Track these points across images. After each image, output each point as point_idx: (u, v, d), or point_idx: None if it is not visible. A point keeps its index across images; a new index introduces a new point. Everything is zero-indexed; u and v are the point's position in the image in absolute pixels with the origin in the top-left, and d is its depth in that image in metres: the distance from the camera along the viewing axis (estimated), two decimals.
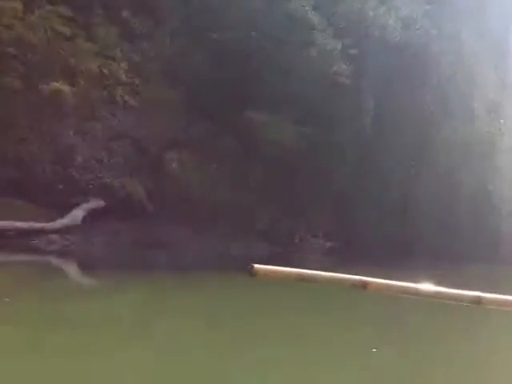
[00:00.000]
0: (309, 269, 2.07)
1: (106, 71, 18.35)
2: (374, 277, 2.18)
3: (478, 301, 2.13)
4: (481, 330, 8.70)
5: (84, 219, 17.26)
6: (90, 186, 18.12)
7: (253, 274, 1.95)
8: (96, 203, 17.83)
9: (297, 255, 19.29)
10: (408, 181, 24.68)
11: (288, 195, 21.32)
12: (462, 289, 2.26)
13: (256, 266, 1.96)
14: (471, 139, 27.21)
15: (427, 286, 2.09)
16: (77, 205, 17.42)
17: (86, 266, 15.02)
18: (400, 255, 20.80)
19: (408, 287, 2.07)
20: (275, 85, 20.30)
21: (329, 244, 22.03)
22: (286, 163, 21.09)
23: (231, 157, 20.51)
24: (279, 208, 21.21)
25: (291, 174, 21.37)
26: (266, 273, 1.97)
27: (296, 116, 20.78)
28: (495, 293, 2.41)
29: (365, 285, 2.06)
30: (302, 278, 2.02)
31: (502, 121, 29.37)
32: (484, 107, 28.60)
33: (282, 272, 2.00)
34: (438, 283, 2.20)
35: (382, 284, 2.09)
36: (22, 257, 15.40)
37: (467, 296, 2.12)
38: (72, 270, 15.29)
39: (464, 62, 27.12)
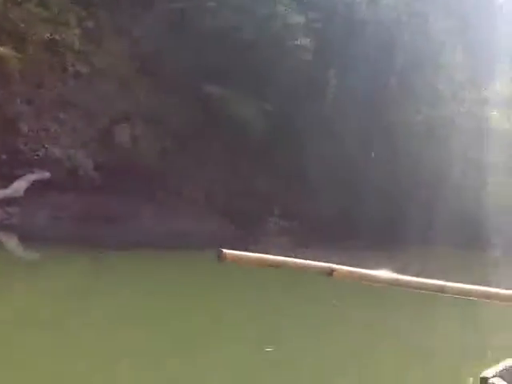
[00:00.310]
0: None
1: (57, 38, 18.05)
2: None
3: (441, 289, 2.22)
4: (438, 318, 8.96)
5: (28, 191, 17.06)
6: (36, 157, 17.90)
7: (222, 258, 2.02)
8: (41, 175, 17.65)
9: (255, 234, 19.46)
10: (369, 162, 24.99)
11: (247, 172, 21.42)
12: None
13: (225, 250, 2.03)
14: (434, 122, 27.63)
15: (393, 275, 2.18)
16: (21, 176, 17.21)
17: (27, 240, 14.88)
18: (355, 236, 21.18)
19: (374, 275, 2.16)
20: (236, 58, 20.27)
21: (286, 224, 22.23)
22: (245, 139, 21.14)
23: (188, 131, 20.45)
24: (237, 185, 21.29)
25: (251, 151, 21.44)
26: (235, 258, 2.04)
27: (257, 91, 20.80)
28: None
29: (331, 271, 2.15)
30: (269, 264, 2.09)
31: (466, 105, 29.89)
32: (449, 89, 29.00)
33: (250, 257, 2.07)
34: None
35: (348, 271, 2.18)
36: None
37: (431, 284, 2.21)
38: (12, 243, 15.13)
39: (431, 41, 27.42)
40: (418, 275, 2.36)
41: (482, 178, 30.51)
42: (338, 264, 2.45)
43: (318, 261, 2.59)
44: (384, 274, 2.22)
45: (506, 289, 2.32)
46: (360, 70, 24.05)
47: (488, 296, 2.28)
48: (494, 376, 2.41)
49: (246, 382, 5.61)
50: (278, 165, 22.30)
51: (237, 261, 2.06)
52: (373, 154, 25.20)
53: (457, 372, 5.32)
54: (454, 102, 29.22)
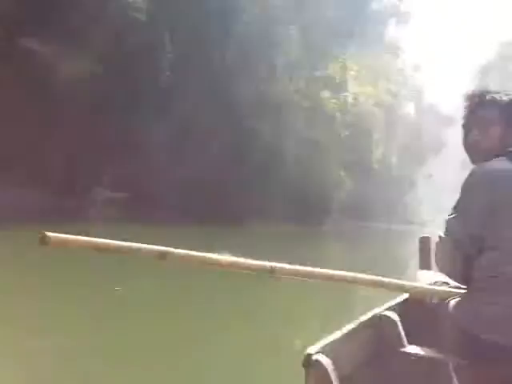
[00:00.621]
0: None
1: None
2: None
3: (271, 271, 2.31)
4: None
5: None
6: None
7: (45, 242, 1.94)
8: None
9: (81, 205, 19.09)
10: (205, 134, 25.14)
11: (72, 140, 20.70)
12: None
13: (48, 234, 1.95)
14: (269, 98, 28.25)
15: (233, 258, 2.22)
16: None
17: None
18: (187, 210, 21.41)
19: (209, 258, 2.19)
20: (63, 14, 19.45)
21: (115, 195, 22.02)
22: (70, 103, 20.39)
23: (11, 93, 19.15)
24: (61, 154, 20.56)
25: (77, 116, 20.70)
26: (60, 241, 1.97)
27: (81, 49, 20.04)
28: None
29: (165, 256, 2.15)
30: (98, 248, 2.05)
31: (301, 83, 30.92)
32: (284, 66, 29.73)
33: (77, 241, 2.01)
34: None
35: (183, 255, 2.19)
36: None
37: (262, 266, 2.29)
38: None
39: (269, 16, 27.84)
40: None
41: (313, 154, 31.88)
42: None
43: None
44: (224, 257, 2.26)
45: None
46: (198, 37, 24.06)
47: (317, 276, 2.39)
48: (317, 352, 2.53)
49: None
50: (111, 132, 21.82)
51: (62, 244, 2.00)
52: (206, 125, 25.38)
53: (286, 348, 5.60)
54: (289, 79, 30.12)
